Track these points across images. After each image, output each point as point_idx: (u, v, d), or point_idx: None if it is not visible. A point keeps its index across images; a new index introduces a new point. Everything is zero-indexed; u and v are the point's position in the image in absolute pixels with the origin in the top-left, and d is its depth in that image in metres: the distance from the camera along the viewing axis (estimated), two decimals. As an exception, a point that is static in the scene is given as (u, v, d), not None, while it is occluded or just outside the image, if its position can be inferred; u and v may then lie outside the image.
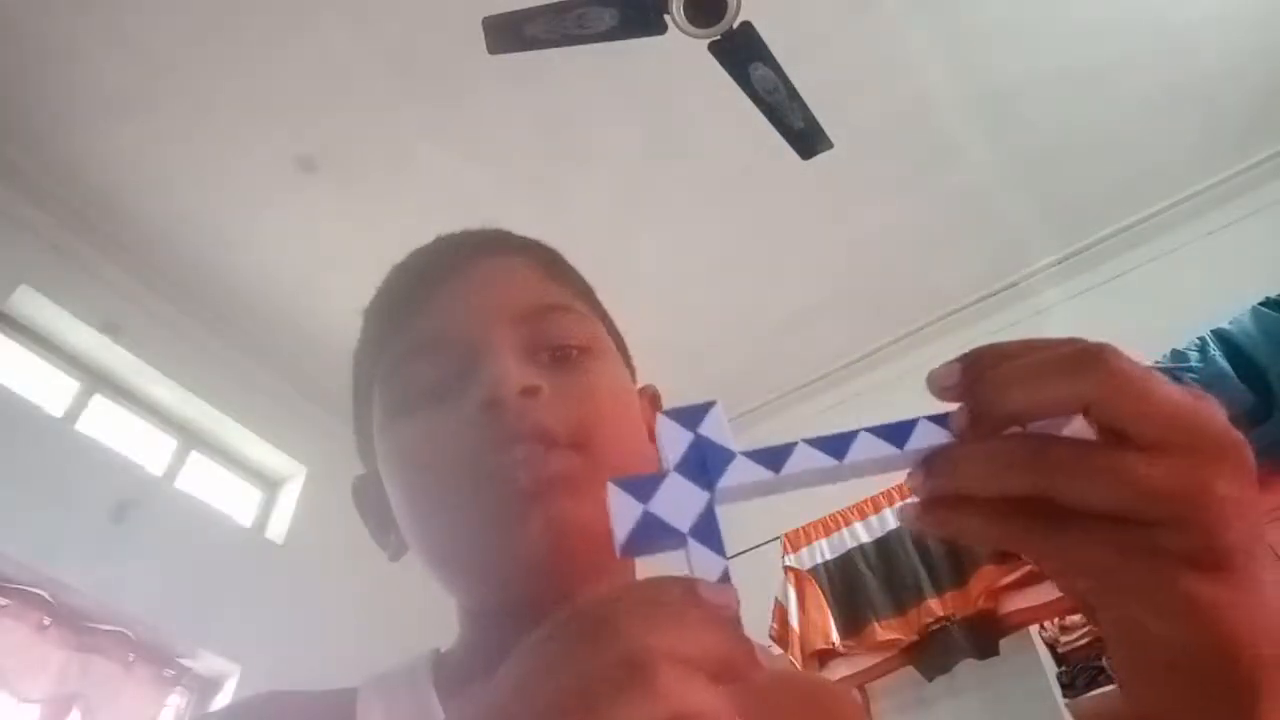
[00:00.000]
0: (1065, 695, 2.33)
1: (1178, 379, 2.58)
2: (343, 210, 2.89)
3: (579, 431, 0.44)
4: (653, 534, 0.27)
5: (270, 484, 3.39)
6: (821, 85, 2.37)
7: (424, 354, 0.48)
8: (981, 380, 0.28)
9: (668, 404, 0.41)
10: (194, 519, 2.89)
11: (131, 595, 2.49)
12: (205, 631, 2.65)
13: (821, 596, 2.80)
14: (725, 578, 0.26)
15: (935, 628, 2.57)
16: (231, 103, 2.59)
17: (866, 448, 0.28)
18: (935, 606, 2.59)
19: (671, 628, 0.23)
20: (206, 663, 2.68)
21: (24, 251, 2.73)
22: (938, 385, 0.29)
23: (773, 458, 0.28)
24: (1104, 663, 2.26)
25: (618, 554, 0.27)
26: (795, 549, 2.96)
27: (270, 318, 3.21)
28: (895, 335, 3.48)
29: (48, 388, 2.79)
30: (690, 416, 0.29)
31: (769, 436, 0.29)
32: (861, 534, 2.86)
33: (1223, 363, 2.53)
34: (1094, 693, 2.27)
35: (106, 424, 2.90)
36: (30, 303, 2.75)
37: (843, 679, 2.60)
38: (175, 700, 2.60)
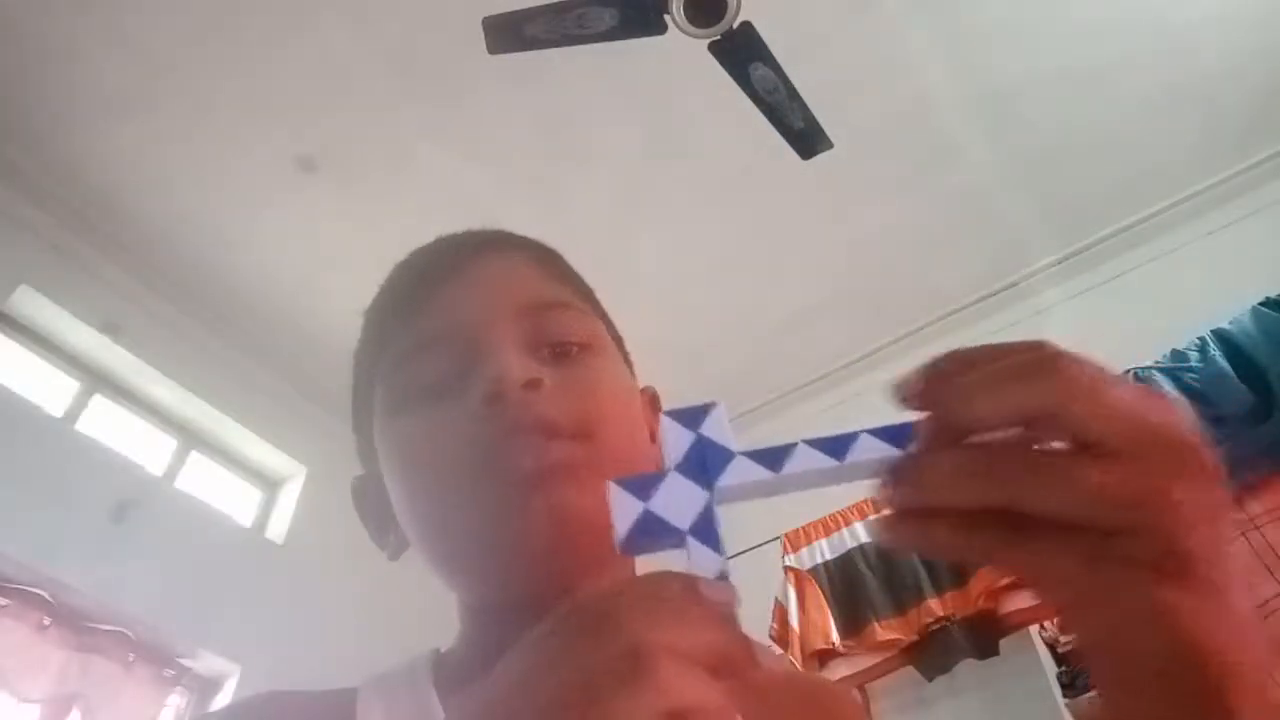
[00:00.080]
0: (1065, 695, 2.33)
1: (1178, 379, 2.58)
2: (343, 210, 2.89)
3: (581, 423, 0.45)
4: (653, 532, 0.27)
5: (270, 484, 3.39)
6: (821, 85, 2.37)
7: (426, 350, 0.48)
8: (941, 389, 0.28)
9: (668, 404, 0.41)
10: (194, 519, 2.89)
11: (131, 595, 2.49)
12: (205, 631, 2.65)
13: (821, 596, 2.80)
14: (724, 576, 0.26)
15: (935, 628, 2.58)
16: (231, 103, 2.59)
17: (867, 449, 0.28)
18: (935, 606, 2.59)
19: (672, 623, 0.23)
20: (206, 663, 2.68)
21: (24, 251, 2.72)
22: (901, 394, 0.28)
23: (773, 458, 0.28)
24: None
25: (618, 551, 0.27)
26: (795, 549, 2.96)
27: (270, 318, 3.21)
28: (895, 335, 3.48)
29: (48, 388, 2.79)
30: (692, 417, 0.30)
31: (769, 436, 0.29)
32: (861, 534, 2.86)
33: (1223, 363, 2.54)
34: (1094, 693, 2.27)
35: (106, 424, 2.90)
36: (30, 303, 2.75)
37: (843, 679, 2.61)
38: (175, 700, 2.60)
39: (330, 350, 3.08)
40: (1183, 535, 0.25)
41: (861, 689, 2.66)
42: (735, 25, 2.12)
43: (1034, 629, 2.47)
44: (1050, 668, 2.41)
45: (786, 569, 2.90)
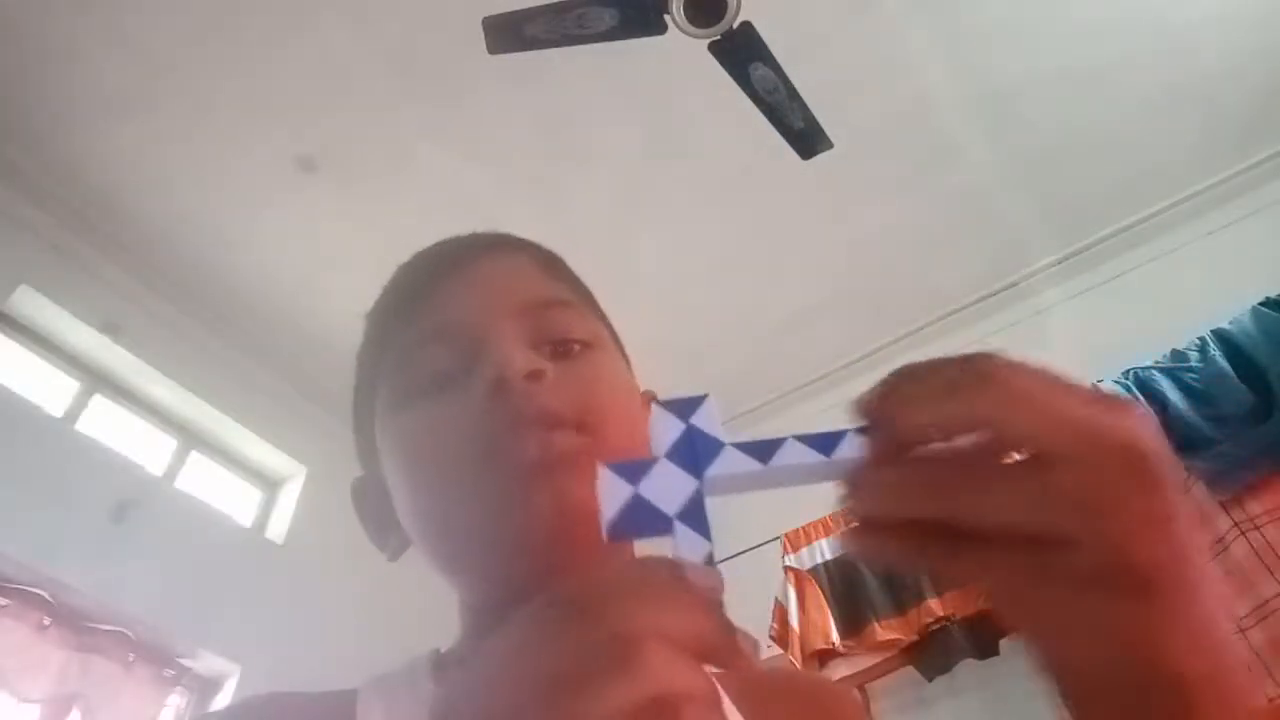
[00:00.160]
0: (1065, 695, 2.33)
1: (1178, 379, 2.58)
2: (343, 210, 2.89)
3: (584, 415, 0.45)
4: (640, 517, 0.27)
5: (270, 484, 3.39)
6: (821, 85, 2.37)
7: (428, 347, 0.48)
8: (886, 402, 0.28)
9: (666, 403, 0.42)
10: (194, 519, 2.89)
11: (131, 595, 2.49)
12: (205, 631, 2.65)
13: (821, 596, 2.80)
14: (710, 561, 0.26)
15: (935, 628, 2.58)
16: (231, 103, 2.59)
17: (853, 447, 0.28)
18: (935, 606, 2.59)
19: (658, 608, 0.23)
20: (206, 663, 2.68)
21: (24, 251, 2.72)
22: (857, 409, 0.28)
23: (762, 451, 0.29)
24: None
25: (604, 535, 0.27)
26: (795, 549, 2.96)
27: (270, 318, 3.21)
28: (895, 335, 3.48)
29: (48, 388, 2.79)
30: (683, 407, 0.30)
31: (769, 436, 0.29)
32: (861, 534, 2.86)
33: (1223, 363, 2.54)
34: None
35: (106, 424, 2.90)
36: (30, 303, 2.75)
37: (843, 679, 2.61)
38: (175, 700, 2.60)
39: (330, 350, 3.08)
40: (1133, 548, 0.24)
41: (861, 689, 2.66)
42: (735, 25, 2.12)
43: (1034, 629, 2.47)
44: (1050, 668, 2.40)
45: (786, 569, 2.90)
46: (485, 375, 0.45)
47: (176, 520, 2.78)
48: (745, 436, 0.28)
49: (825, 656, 2.71)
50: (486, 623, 0.48)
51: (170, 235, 2.92)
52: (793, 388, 3.65)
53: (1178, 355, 2.67)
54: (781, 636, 2.76)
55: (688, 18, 2.07)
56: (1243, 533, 2.31)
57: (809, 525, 2.95)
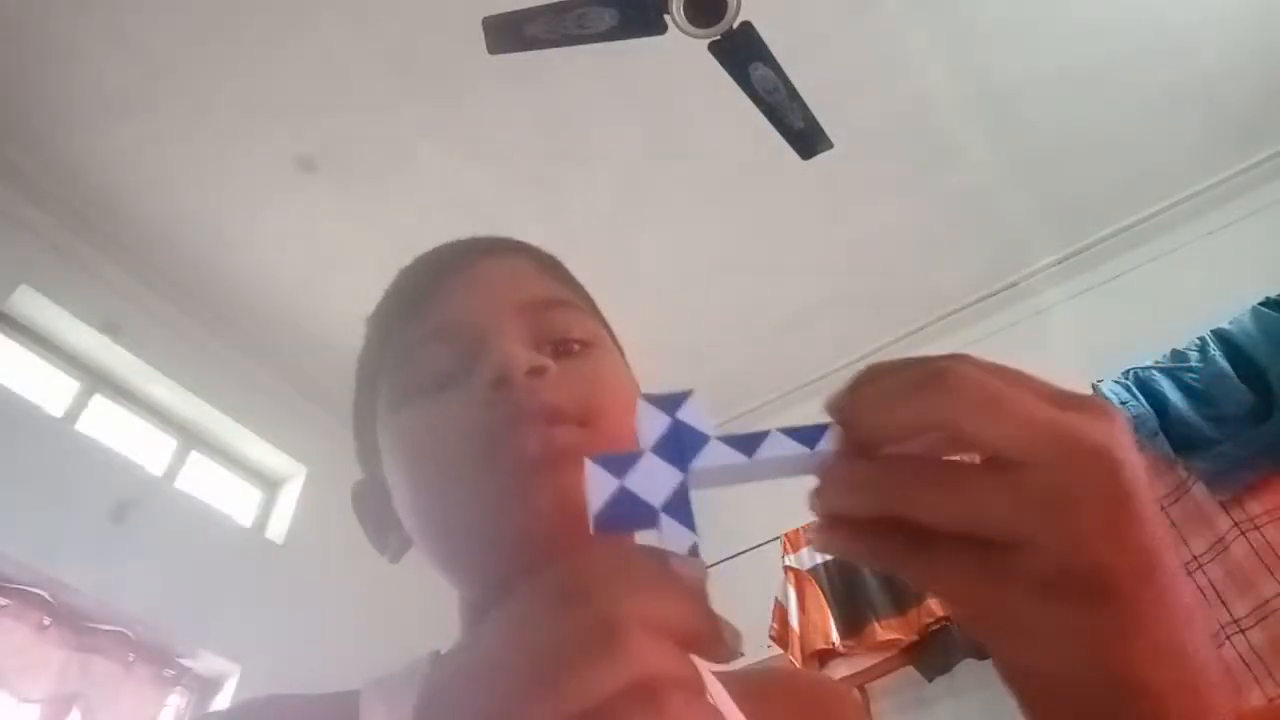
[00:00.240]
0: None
1: (1178, 379, 2.58)
2: (343, 210, 2.89)
3: (585, 411, 0.45)
4: (626, 509, 0.27)
5: (270, 484, 3.39)
6: (821, 85, 2.37)
7: (430, 344, 0.49)
8: (851, 402, 0.28)
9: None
10: (194, 519, 2.89)
11: (131, 595, 2.49)
12: (205, 631, 2.65)
13: (821, 596, 2.80)
14: (695, 552, 0.26)
15: (935, 627, 2.57)
16: (231, 103, 2.59)
17: (835, 440, 0.29)
18: (935, 606, 2.59)
19: (642, 595, 0.23)
20: (206, 663, 2.68)
21: (24, 251, 2.72)
22: (827, 407, 0.28)
23: (747, 444, 0.29)
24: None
25: (591, 528, 0.27)
26: (795, 549, 2.96)
27: (270, 318, 3.21)
28: (895, 335, 3.48)
29: (48, 388, 2.79)
30: (669, 402, 0.30)
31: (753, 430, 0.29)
32: (861, 534, 2.86)
33: (1223, 363, 2.54)
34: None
35: (106, 424, 2.90)
36: (30, 303, 2.75)
37: (843, 679, 2.60)
38: (175, 700, 2.60)
39: (330, 350, 3.09)
40: (1090, 550, 0.24)
41: (861, 689, 2.66)
42: (735, 25, 2.12)
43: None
44: (1050, 668, 2.40)
45: (786, 569, 2.90)
46: (486, 373, 0.45)
47: (176, 520, 2.78)
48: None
49: (825, 656, 2.71)
50: None
51: (170, 235, 2.93)
52: (793, 388, 3.65)
53: (1178, 355, 2.67)
54: (781, 636, 2.76)
55: (688, 18, 2.07)
56: (1243, 533, 2.31)
57: (809, 525, 2.94)
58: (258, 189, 2.82)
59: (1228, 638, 2.22)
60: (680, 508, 0.27)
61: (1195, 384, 2.56)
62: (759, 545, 2.90)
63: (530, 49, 2.14)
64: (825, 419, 0.28)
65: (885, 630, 2.65)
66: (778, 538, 2.97)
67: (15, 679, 2.19)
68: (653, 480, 0.28)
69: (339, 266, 2.96)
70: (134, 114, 2.60)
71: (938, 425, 0.26)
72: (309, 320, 3.16)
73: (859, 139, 2.71)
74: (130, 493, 2.65)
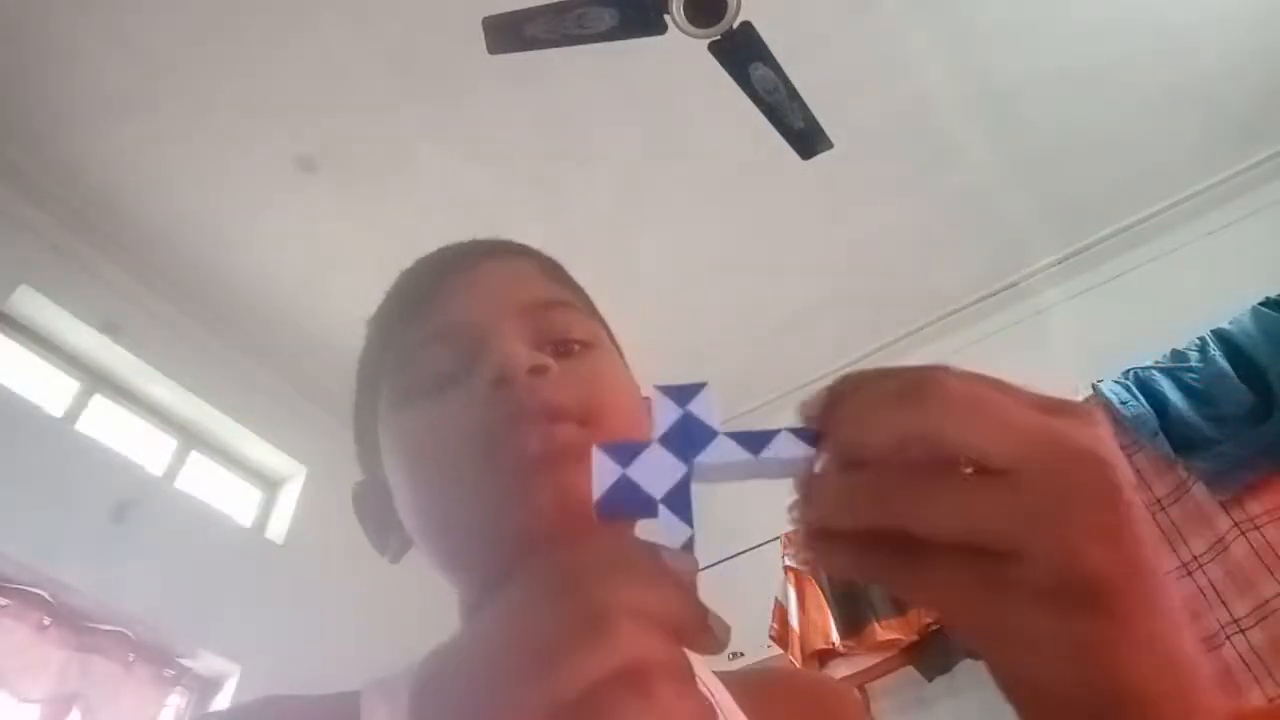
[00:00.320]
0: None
1: (1178, 379, 2.58)
2: (343, 210, 2.89)
3: (586, 409, 0.45)
4: (627, 497, 0.28)
5: (270, 484, 3.39)
6: (821, 85, 2.37)
7: (431, 345, 0.49)
8: (831, 412, 0.27)
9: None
10: (194, 519, 2.89)
11: (131, 595, 2.49)
12: (205, 631, 2.65)
13: (821, 596, 2.80)
14: (689, 546, 0.27)
15: (935, 627, 2.57)
16: (231, 103, 2.59)
17: (819, 451, 0.29)
18: (935, 606, 2.59)
19: (632, 585, 0.24)
20: (206, 663, 2.68)
21: (24, 251, 2.72)
22: (803, 415, 0.28)
23: (754, 441, 0.29)
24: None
25: (594, 514, 0.28)
26: (795, 549, 2.96)
27: (270, 318, 3.21)
28: (895, 335, 3.48)
29: (48, 388, 2.79)
30: (682, 394, 0.31)
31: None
32: (861, 534, 2.86)
33: (1223, 363, 2.54)
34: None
35: (106, 424, 2.90)
36: (30, 303, 2.75)
37: (843, 679, 2.60)
38: (175, 700, 2.60)
39: (330, 350, 3.08)
40: (1080, 558, 0.24)
41: (861, 689, 2.65)
42: (735, 25, 2.12)
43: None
44: (1050, 668, 2.40)
45: (786, 569, 2.90)
46: (487, 372, 0.45)
47: (176, 520, 2.78)
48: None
49: (825, 656, 2.71)
50: None
51: (170, 235, 2.92)
52: (793, 388, 3.65)
53: (1178, 355, 2.67)
54: (781, 636, 2.76)
55: (688, 18, 2.07)
56: (1243, 533, 2.31)
57: (791, 535, 2.94)
58: (258, 189, 2.82)
59: (1228, 638, 2.22)
60: (680, 500, 0.28)
61: (1195, 384, 2.56)
62: (759, 545, 2.90)
63: (530, 49, 2.14)
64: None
65: (885, 630, 2.65)
66: (778, 538, 2.97)
67: (15, 679, 2.19)
68: (656, 471, 0.28)
69: (339, 266, 2.96)
70: (134, 114, 2.60)
71: (922, 435, 0.25)
72: (309, 320, 3.16)
73: (859, 139, 2.71)
74: (130, 493, 2.65)
